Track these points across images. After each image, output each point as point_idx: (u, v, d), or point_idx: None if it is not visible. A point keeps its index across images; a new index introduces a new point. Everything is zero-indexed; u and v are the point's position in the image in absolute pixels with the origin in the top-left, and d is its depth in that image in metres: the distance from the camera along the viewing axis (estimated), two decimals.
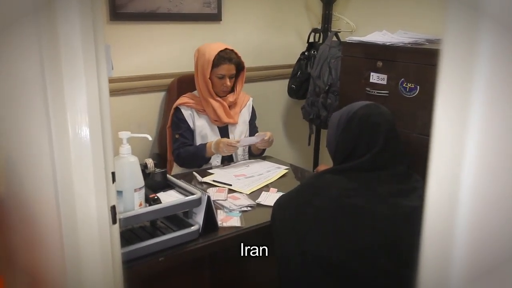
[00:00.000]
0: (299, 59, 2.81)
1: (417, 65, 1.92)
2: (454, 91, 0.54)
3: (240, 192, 1.86)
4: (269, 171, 2.11)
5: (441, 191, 0.58)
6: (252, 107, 2.40)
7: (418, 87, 1.92)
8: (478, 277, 0.57)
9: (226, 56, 2.16)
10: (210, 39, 2.39)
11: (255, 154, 2.31)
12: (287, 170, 2.13)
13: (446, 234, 0.58)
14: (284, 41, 2.93)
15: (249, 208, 1.72)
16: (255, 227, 1.60)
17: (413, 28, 2.23)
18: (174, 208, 1.45)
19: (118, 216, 1.05)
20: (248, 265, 1.68)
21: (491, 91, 0.51)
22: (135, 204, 1.38)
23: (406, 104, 1.96)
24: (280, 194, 1.67)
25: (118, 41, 2.32)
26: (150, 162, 1.61)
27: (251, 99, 2.40)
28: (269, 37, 2.86)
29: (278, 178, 2.04)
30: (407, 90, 1.95)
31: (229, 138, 2.27)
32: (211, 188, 1.89)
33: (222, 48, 2.17)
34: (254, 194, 1.85)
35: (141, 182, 1.40)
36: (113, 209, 1.02)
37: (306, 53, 2.79)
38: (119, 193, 1.31)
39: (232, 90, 2.29)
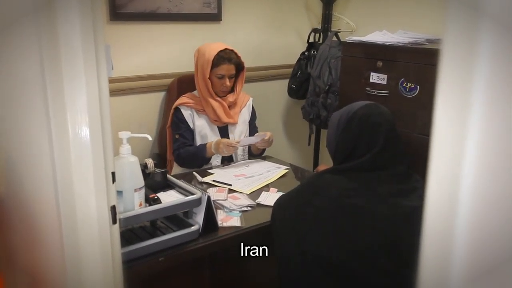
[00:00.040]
0: (299, 59, 2.81)
1: (417, 65, 1.92)
2: (454, 91, 0.54)
3: (240, 192, 1.86)
4: (269, 171, 2.11)
5: (441, 191, 0.58)
6: (252, 107, 2.40)
7: (418, 87, 1.92)
8: (478, 277, 0.57)
9: (225, 56, 2.16)
10: (210, 39, 2.39)
11: (255, 154, 2.31)
12: (287, 170, 2.13)
13: (446, 234, 0.58)
14: (284, 41, 2.93)
15: (249, 208, 1.72)
16: (255, 227, 1.60)
17: (413, 28, 2.23)
18: (174, 208, 1.45)
19: (118, 216, 1.05)
20: (248, 265, 1.68)
21: (491, 91, 0.51)
22: (135, 204, 1.38)
23: (406, 104, 1.96)
24: (280, 194, 1.67)
25: (118, 41, 2.32)
26: (150, 162, 1.61)
27: (251, 99, 2.40)
28: (269, 37, 2.86)
29: (278, 178, 2.04)
30: (407, 90, 1.95)
31: (229, 138, 2.27)
32: (211, 188, 1.89)
33: (222, 48, 2.17)
34: (254, 194, 1.85)
35: (141, 182, 1.40)
36: (113, 209, 1.02)
37: (306, 53, 2.79)
38: (119, 193, 1.31)
39: (232, 90, 2.29)
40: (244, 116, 2.35)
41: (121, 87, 2.34)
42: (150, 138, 1.47)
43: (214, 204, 1.56)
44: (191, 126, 2.24)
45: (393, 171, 1.35)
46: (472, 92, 0.52)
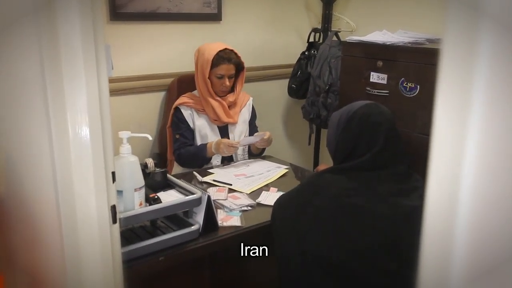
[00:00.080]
0: (299, 59, 2.81)
1: (417, 65, 1.92)
2: (454, 91, 0.54)
3: (240, 192, 1.86)
4: (269, 171, 2.11)
5: (441, 191, 0.58)
6: (252, 107, 2.40)
7: (418, 86, 1.92)
8: (478, 277, 0.57)
9: (225, 56, 2.16)
10: (210, 39, 2.39)
11: (255, 153, 2.31)
12: (287, 170, 2.13)
13: (446, 234, 0.58)
14: (284, 41, 2.93)
15: (249, 208, 1.72)
16: (255, 227, 1.60)
17: (413, 27, 2.23)
18: (174, 208, 1.45)
19: (118, 216, 1.05)
20: (248, 265, 1.68)
21: (491, 91, 0.51)
22: (135, 203, 1.38)
23: (406, 104, 1.96)
24: (280, 193, 1.68)
25: (118, 41, 2.32)
26: (150, 162, 1.61)
27: (251, 98, 2.40)
28: (269, 37, 2.86)
29: (278, 178, 2.04)
30: (407, 89, 1.95)
31: (229, 137, 2.27)
32: (211, 188, 1.89)
33: (222, 48, 2.17)
34: (254, 194, 1.85)
35: (141, 181, 1.40)
36: (113, 208, 1.02)
37: (306, 53, 2.79)
38: (119, 192, 1.31)
39: (232, 90, 2.29)
40: (244, 116, 2.35)
41: (121, 87, 2.34)
42: (150, 138, 1.47)
43: (214, 203, 1.56)
44: (191, 126, 2.24)
45: (393, 171, 1.35)
46: (472, 92, 0.52)
